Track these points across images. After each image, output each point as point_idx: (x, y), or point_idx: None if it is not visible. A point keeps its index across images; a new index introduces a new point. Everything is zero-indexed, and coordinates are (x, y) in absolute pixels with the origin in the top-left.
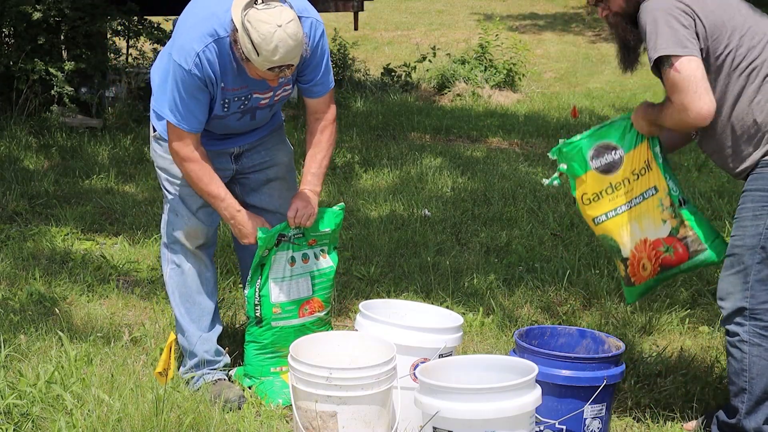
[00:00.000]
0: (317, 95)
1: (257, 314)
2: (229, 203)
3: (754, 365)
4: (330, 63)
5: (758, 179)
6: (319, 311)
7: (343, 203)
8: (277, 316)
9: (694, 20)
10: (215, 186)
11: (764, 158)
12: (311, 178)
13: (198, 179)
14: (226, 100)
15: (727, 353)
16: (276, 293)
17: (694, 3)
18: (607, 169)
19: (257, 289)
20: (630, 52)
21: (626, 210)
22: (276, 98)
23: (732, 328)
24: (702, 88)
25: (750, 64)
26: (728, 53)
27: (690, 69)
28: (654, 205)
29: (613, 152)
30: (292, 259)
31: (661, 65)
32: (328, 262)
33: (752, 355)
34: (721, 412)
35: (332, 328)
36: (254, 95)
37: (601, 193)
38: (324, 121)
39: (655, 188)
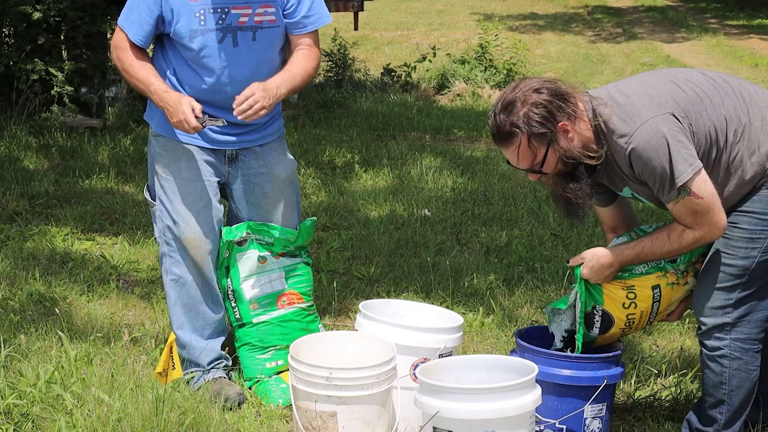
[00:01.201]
0: (304, 29)
1: (237, 317)
2: (156, 87)
3: (733, 378)
4: (322, 3)
5: (755, 201)
6: (299, 302)
7: (314, 218)
8: (256, 312)
9: (683, 123)
10: (144, 72)
11: (762, 181)
12: (275, 77)
13: (129, 66)
14: (201, 11)
15: (703, 366)
16: (249, 290)
17: (668, 104)
18: (606, 327)
19: (229, 292)
20: (575, 206)
21: (656, 315)
22: (256, 19)
23: (711, 342)
24: (719, 201)
25: (724, 123)
26: (708, 125)
27: (706, 189)
28: (669, 291)
29: (595, 314)
30: (263, 257)
31: (676, 196)
32: (302, 261)
33: (732, 369)
34: (693, 417)
35: (320, 321)
36: (232, 10)
37: (625, 330)
38: (306, 50)
39: (655, 287)
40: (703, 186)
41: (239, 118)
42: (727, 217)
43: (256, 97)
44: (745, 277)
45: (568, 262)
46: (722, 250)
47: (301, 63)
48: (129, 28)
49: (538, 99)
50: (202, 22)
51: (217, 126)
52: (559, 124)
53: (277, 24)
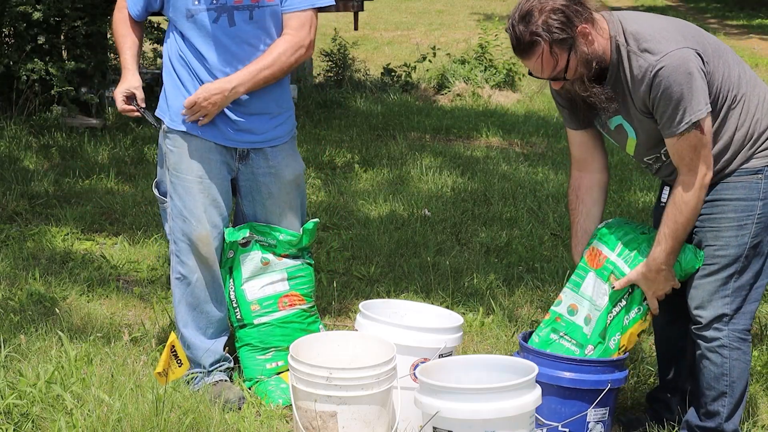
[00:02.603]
0: (290, 7)
1: (238, 317)
2: (121, 59)
3: (734, 369)
4: None
5: (738, 188)
6: (300, 304)
7: (317, 219)
8: (257, 313)
9: (705, 68)
10: (121, 41)
11: (743, 166)
12: (237, 73)
13: (115, 30)
14: None
15: (702, 359)
16: (251, 291)
17: (694, 38)
18: None
19: (231, 292)
20: (598, 111)
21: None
22: None
23: (710, 333)
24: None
25: (730, 85)
26: (719, 81)
27: (710, 128)
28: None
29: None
30: (266, 259)
31: (685, 129)
32: (305, 262)
33: (732, 359)
34: (692, 416)
35: (320, 321)
36: None
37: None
38: (288, 35)
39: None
40: (708, 122)
41: (184, 117)
42: (709, 208)
43: (198, 102)
44: (739, 265)
45: (613, 287)
46: (712, 243)
47: (275, 53)
48: None
49: (554, 5)
50: (196, 2)
51: (152, 123)
52: (578, 28)
53: (276, 2)
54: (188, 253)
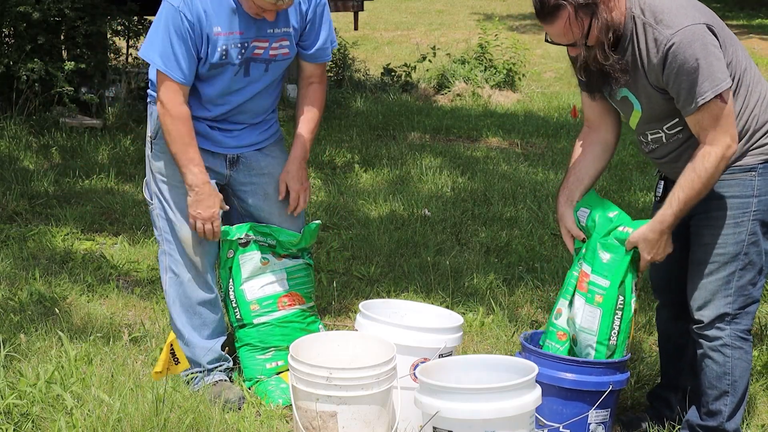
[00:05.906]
0: (318, 60)
1: (237, 317)
2: (201, 170)
3: (736, 368)
4: (332, 29)
5: (732, 185)
6: (300, 304)
7: (319, 221)
8: (256, 313)
9: (718, 38)
10: (194, 149)
11: (736, 163)
12: (301, 146)
13: (179, 137)
14: (224, 47)
15: (704, 358)
16: (251, 291)
17: (710, 19)
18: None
19: (230, 292)
20: (611, 80)
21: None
22: (271, 53)
23: (712, 333)
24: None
25: (735, 71)
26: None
27: (731, 95)
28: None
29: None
30: (265, 258)
31: (705, 101)
32: (304, 262)
33: (734, 358)
34: (693, 416)
35: (320, 321)
36: (252, 44)
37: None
38: (317, 84)
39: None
40: (729, 93)
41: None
42: (705, 206)
43: (302, 201)
44: (739, 263)
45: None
46: (710, 242)
47: (315, 108)
48: (173, 69)
49: None
50: (224, 57)
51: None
52: None
53: (290, 56)
54: (180, 252)
